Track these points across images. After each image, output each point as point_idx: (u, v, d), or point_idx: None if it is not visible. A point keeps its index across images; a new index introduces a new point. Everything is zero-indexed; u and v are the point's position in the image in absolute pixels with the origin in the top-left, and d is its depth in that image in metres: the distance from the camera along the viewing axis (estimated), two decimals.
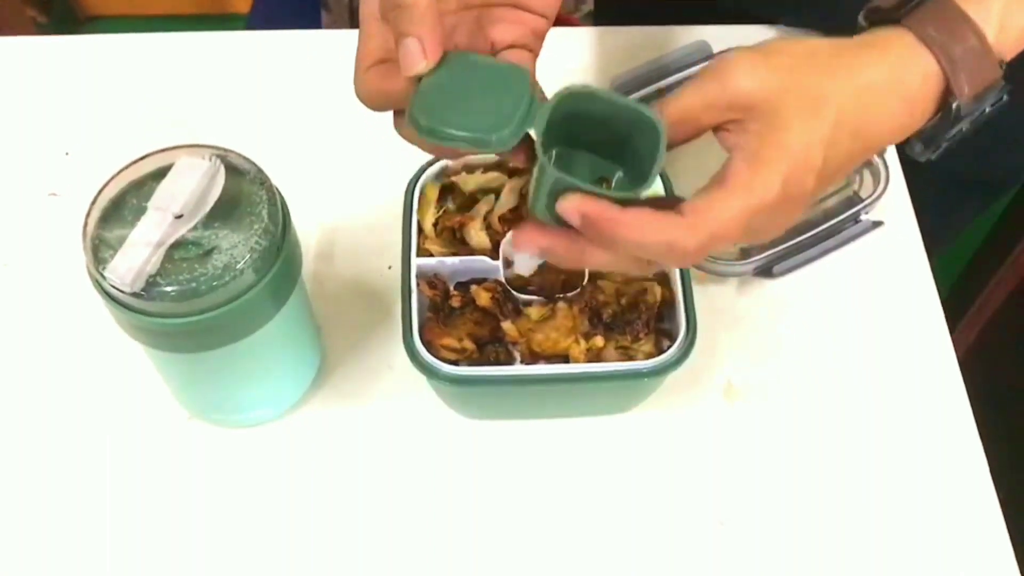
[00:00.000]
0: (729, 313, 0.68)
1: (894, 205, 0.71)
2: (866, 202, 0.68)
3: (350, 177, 0.74)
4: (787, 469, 0.62)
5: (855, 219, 0.69)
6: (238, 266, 0.49)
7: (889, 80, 0.44)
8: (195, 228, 0.49)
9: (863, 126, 0.44)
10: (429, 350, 0.56)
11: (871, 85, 0.43)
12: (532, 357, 0.59)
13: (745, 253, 0.67)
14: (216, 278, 0.48)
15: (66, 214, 0.71)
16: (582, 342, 0.58)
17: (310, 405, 0.64)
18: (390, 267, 0.68)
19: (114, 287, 0.48)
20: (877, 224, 0.69)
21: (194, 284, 0.48)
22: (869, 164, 0.70)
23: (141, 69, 0.81)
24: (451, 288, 0.60)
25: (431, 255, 0.60)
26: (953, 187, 0.87)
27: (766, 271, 0.67)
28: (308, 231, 0.71)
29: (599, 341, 0.58)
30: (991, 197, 0.99)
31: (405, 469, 0.62)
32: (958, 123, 0.45)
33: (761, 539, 0.60)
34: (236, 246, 0.49)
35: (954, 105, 0.44)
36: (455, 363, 0.57)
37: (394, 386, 0.64)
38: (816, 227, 0.68)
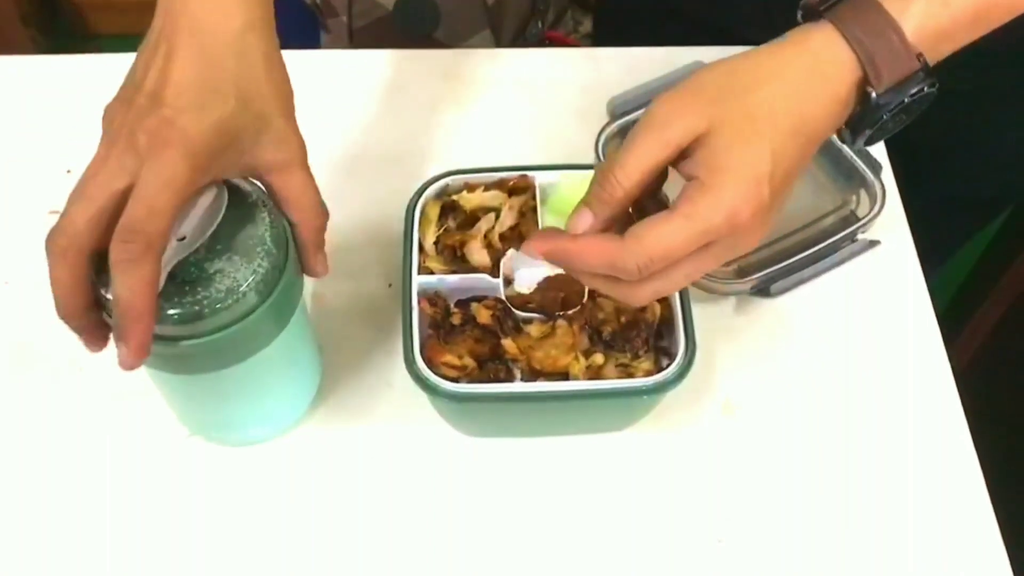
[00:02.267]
0: (727, 331, 0.68)
1: (890, 224, 0.72)
2: (863, 221, 0.69)
3: (350, 196, 0.75)
4: (785, 486, 0.62)
5: (852, 238, 0.69)
6: (240, 289, 0.49)
7: (811, 72, 0.47)
8: (198, 251, 0.49)
9: (800, 122, 0.46)
10: (430, 367, 0.56)
11: (796, 81, 0.46)
12: (532, 374, 0.59)
13: (742, 272, 0.68)
14: (219, 301, 0.48)
15: None
16: (582, 359, 0.58)
17: (311, 423, 0.64)
18: (390, 285, 0.69)
19: None
20: (874, 243, 0.70)
21: (197, 307, 0.48)
22: (865, 184, 0.71)
23: None
24: (452, 306, 0.61)
25: (432, 273, 0.61)
26: (948, 207, 0.88)
27: (764, 290, 0.67)
28: None
29: (599, 358, 0.58)
30: (985, 217, 0.99)
31: (405, 487, 0.62)
32: (878, 111, 0.47)
33: (759, 557, 0.60)
34: (239, 269, 0.49)
35: (871, 93, 0.46)
36: (455, 380, 0.57)
37: (394, 403, 0.64)
38: (813, 246, 0.68)
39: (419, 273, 0.60)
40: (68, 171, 0.76)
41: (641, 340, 0.59)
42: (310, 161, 0.78)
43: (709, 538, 0.60)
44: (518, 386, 0.59)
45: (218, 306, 0.48)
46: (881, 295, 0.71)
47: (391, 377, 0.65)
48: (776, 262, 0.67)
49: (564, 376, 0.59)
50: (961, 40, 0.49)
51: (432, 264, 0.61)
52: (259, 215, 0.52)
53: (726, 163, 0.45)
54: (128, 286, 0.43)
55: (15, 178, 0.75)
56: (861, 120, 0.48)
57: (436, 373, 0.56)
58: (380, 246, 0.69)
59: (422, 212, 0.62)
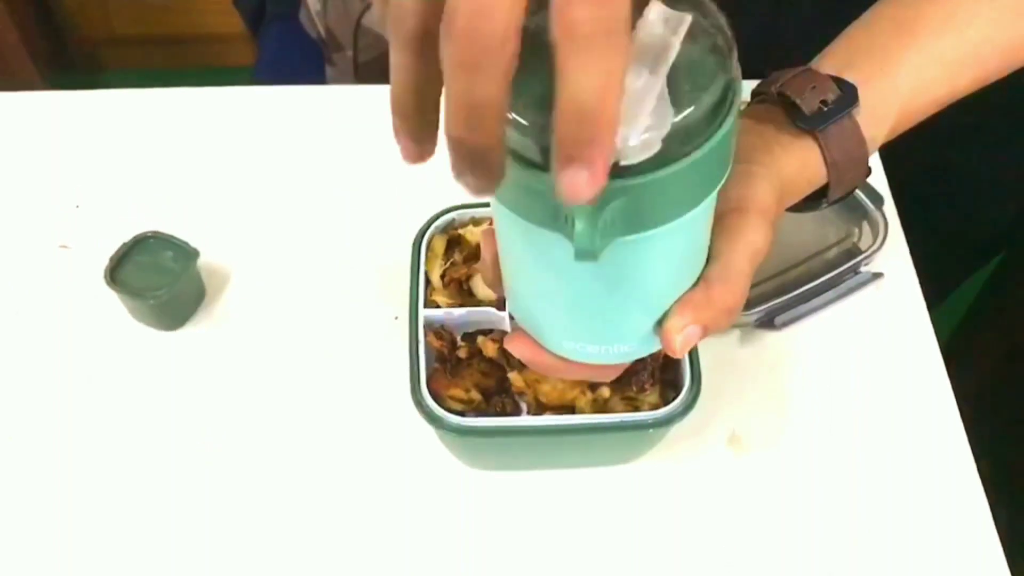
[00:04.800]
0: (732, 364, 0.68)
1: (893, 257, 0.72)
2: (866, 254, 0.69)
3: (357, 229, 0.75)
4: (792, 519, 0.62)
5: (855, 271, 0.70)
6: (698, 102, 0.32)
7: (793, 179, 0.48)
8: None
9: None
10: (436, 400, 0.56)
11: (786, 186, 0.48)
12: (538, 408, 0.59)
13: (747, 304, 0.68)
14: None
15: (76, 266, 0.72)
16: (588, 393, 0.58)
17: (315, 454, 0.64)
18: (396, 318, 0.69)
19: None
20: (877, 276, 0.70)
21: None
22: (867, 217, 0.71)
23: (150, 123, 0.82)
24: (458, 339, 0.61)
25: (438, 306, 0.61)
26: (949, 243, 0.88)
27: (768, 322, 0.68)
28: (314, 282, 0.72)
29: (605, 392, 0.58)
30: (984, 255, 1.00)
31: (410, 520, 0.62)
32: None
33: None
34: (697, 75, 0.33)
35: (823, 204, 0.51)
36: (462, 414, 0.57)
37: (400, 436, 0.64)
38: (817, 278, 0.69)
39: (425, 306, 0.60)
40: (77, 206, 0.77)
41: (647, 373, 0.59)
42: (317, 193, 0.79)
43: (716, 572, 0.60)
44: (524, 420, 0.59)
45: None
46: (884, 327, 0.71)
47: (397, 410, 0.65)
48: (780, 294, 0.68)
49: (570, 409, 0.59)
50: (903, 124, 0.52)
51: (438, 297, 0.61)
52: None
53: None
54: (602, 76, 0.28)
55: (25, 213, 0.76)
56: (799, 210, 0.51)
57: (442, 406, 0.56)
58: (386, 279, 0.70)
59: (428, 246, 0.62)
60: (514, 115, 0.32)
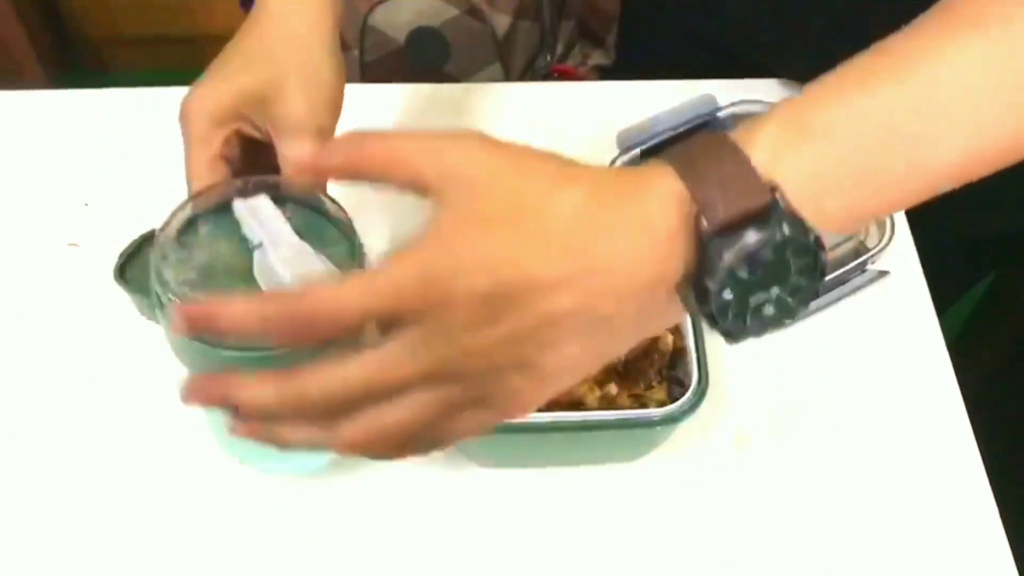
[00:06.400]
0: (739, 361, 0.68)
1: (900, 255, 0.72)
2: (872, 252, 0.69)
3: (359, 228, 0.75)
4: (798, 517, 0.62)
5: (862, 268, 0.70)
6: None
7: (622, 197, 0.36)
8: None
9: (584, 246, 0.35)
10: None
11: (597, 202, 0.36)
12: (546, 404, 0.59)
13: None
14: None
15: (85, 265, 0.72)
16: (596, 389, 0.58)
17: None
18: None
19: None
20: (884, 273, 0.70)
21: None
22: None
23: (158, 121, 0.82)
24: None
25: None
26: (956, 242, 0.88)
27: None
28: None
29: (613, 389, 0.58)
30: (990, 254, 0.99)
31: (417, 516, 0.62)
32: (720, 258, 0.35)
33: None
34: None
35: (704, 226, 0.35)
36: None
37: None
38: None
39: None
40: (85, 204, 0.77)
41: (654, 370, 0.59)
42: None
43: (722, 570, 0.60)
44: (533, 416, 0.59)
45: None
46: (891, 325, 0.71)
47: None
48: None
49: (578, 406, 0.59)
50: (842, 188, 0.37)
51: None
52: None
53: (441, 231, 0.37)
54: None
55: (34, 211, 0.76)
56: (701, 270, 0.35)
57: None
58: None
59: None
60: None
